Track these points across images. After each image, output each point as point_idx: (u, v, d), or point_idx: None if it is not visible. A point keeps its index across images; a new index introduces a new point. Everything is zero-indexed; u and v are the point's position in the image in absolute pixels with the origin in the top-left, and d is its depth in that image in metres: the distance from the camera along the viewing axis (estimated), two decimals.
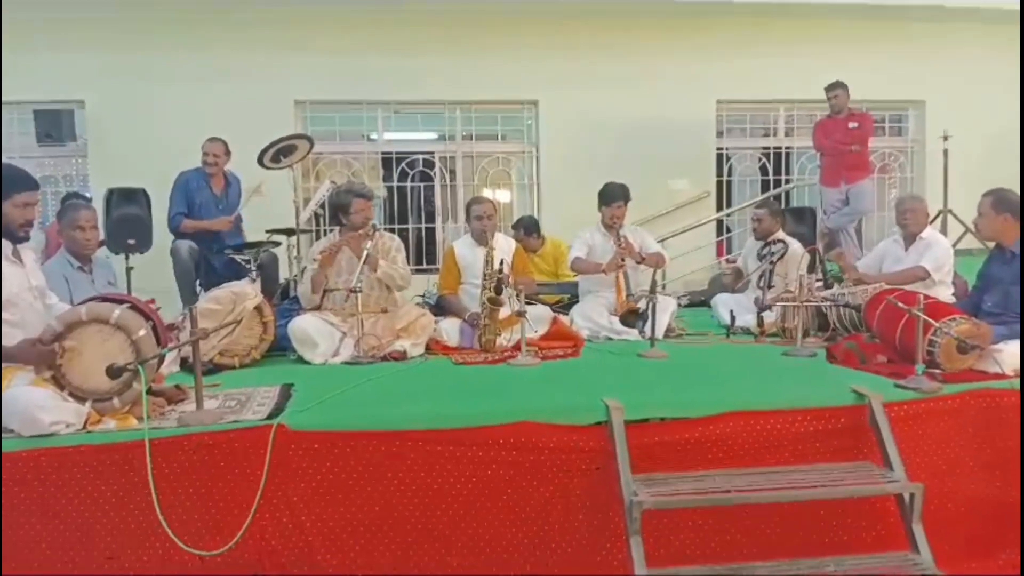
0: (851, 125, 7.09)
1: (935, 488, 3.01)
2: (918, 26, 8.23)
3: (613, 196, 5.34)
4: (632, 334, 4.81)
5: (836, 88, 7.08)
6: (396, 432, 2.92)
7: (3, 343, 2.92)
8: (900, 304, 3.52)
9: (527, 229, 6.78)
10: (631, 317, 4.72)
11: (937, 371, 3.42)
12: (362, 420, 2.97)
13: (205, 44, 7.58)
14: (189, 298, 5.46)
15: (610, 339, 4.94)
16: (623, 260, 5.08)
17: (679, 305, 5.75)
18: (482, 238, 4.94)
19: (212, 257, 5.89)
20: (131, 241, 6.15)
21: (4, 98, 7.30)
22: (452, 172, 8.54)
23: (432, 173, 8.50)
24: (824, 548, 2.98)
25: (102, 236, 5.44)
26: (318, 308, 4.60)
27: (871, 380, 3.41)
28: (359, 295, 4.32)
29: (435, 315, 4.89)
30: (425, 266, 8.14)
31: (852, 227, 7.30)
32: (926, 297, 3.55)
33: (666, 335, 4.93)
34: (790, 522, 3.00)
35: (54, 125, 7.32)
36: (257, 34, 7.64)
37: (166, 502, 2.74)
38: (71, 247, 4.26)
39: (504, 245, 5.08)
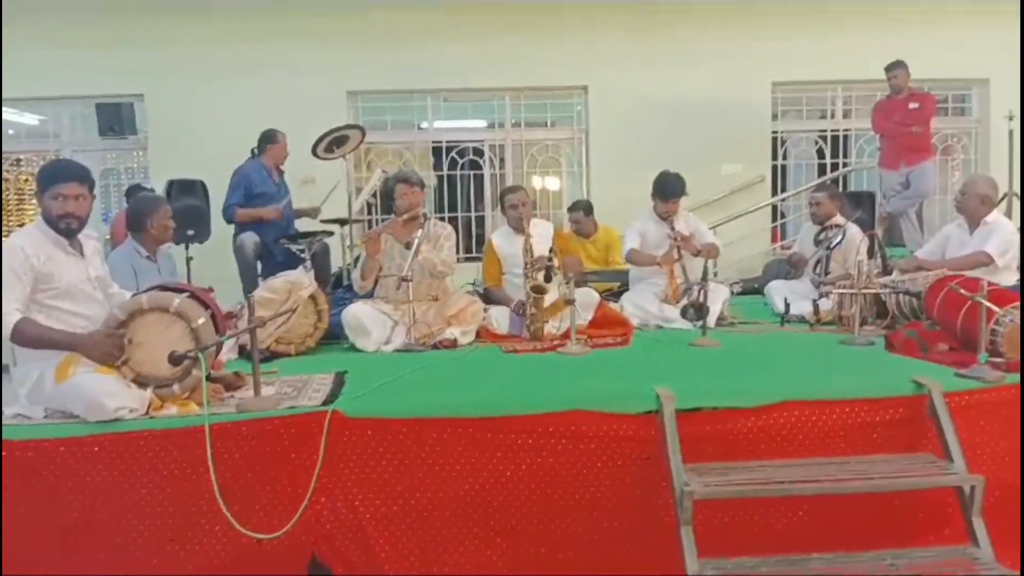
0: (912, 105, 6.89)
1: (996, 480, 2.91)
2: (981, 2, 7.92)
3: (671, 191, 5.19)
4: (683, 322, 4.77)
5: (896, 68, 6.88)
6: (447, 419, 2.95)
7: (70, 332, 3.02)
8: (962, 291, 3.42)
9: (586, 211, 6.78)
10: (691, 311, 4.67)
11: (1000, 360, 3.31)
12: (414, 407, 3.00)
13: (260, 37, 7.71)
14: (251, 289, 5.56)
15: (660, 327, 4.89)
16: (679, 253, 5.03)
17: (732, 293, 5.66)
18: (519, 226, 4.93)
19: (273, 246, 6.02)
20: (190, 232, 6.31)
21: (68, 92, 7.58)
22: (502, 160, 8.55)
23: (481, 161, 8.53)
24: (881, 541, 2.91)
25: None
26: (371, 295, 4.67)
27: (931, 369, 3.32)
28: (410, 283, 4.36)
29: (485, 303, 4.91)
30: (475, 254, 8.17)
31: (913, 211, 7.10)
32: (989, 283, 3.43)
33: (718, 323, 4.86)
34: (846, 514, 2.94)
35: (115, 118, 7.54)
36: (310, 26, 7.73)
37: (225, 485, 2.81)
38: (160, 237, 4.40)
39: (543, 230, 5.06)
